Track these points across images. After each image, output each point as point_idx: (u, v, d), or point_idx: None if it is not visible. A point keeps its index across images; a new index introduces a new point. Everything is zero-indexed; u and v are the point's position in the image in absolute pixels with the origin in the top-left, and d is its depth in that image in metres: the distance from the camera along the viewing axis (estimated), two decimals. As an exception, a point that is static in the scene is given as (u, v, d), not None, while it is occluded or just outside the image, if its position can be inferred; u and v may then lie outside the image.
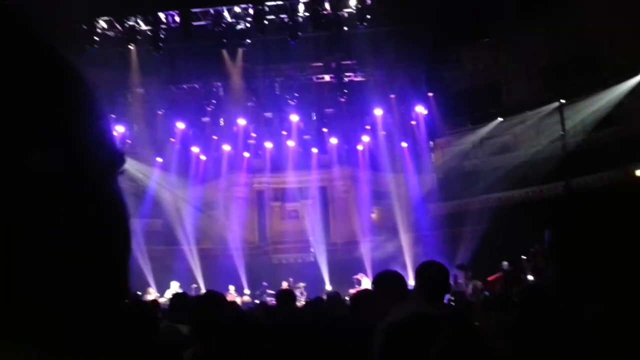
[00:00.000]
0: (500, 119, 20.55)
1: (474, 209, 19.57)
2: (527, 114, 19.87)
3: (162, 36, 18.58)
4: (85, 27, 18.16)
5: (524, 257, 14.42)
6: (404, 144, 22.08)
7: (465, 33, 19.17)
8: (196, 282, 18.47)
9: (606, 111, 17.78)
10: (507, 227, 17.65)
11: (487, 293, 12.18)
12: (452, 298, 11.63)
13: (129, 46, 18.95)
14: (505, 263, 14.68)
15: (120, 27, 18.75)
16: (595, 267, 1.10)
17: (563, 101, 18.06)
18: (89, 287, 0.45)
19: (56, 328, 0.42)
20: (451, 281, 13.20)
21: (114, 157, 0.50)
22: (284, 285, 15.21)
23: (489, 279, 14.02)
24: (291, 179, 23.28)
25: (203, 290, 16.64)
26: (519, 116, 20.08)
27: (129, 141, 22.34)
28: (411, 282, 5.27)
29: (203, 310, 3.06)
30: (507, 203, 19.27)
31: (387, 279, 3.40)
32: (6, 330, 0.39)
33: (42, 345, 0.41)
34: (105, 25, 18.80)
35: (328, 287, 17.24)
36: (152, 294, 13.92)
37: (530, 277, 13.35)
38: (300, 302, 13.51)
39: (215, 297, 3.37)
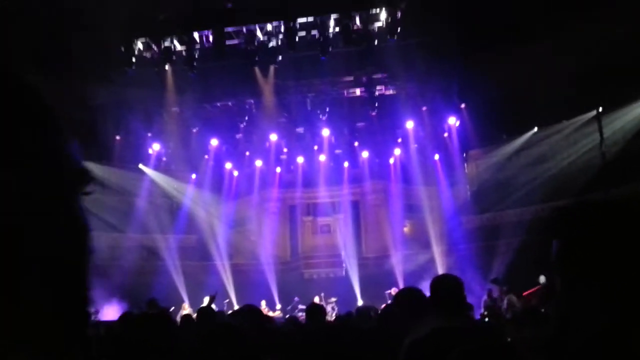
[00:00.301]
0: (535, 129, 20.11)
1: (508, 221, 19.12)
2: (563, 123, 19.39)
3: (196, 56, 19.01)
4: (123, 49, 18.76)
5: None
6: (437, 156, 21.84)
7: (497, 42, 18.89)
8: (229, 297, 18.59)
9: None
10: (544, 240, 17.11)
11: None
12: (486, 313, 11.34)
13: (165, 66, 19.47)
14: (542, 277, 14.24)
15: (156, 48, 19.29)
16: (602, 276, 1.07)
17: (600, 109, 17.60)
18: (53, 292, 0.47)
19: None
20: (485, 296, 12.94)
21: (76, 176, 0.52)
22: (316, 300, 15.15)
23: (525, 293, 13.60)
24: (323, 194, 23.30)
25: (236, 305, 16.77)
26: (555, 126, 19.62)
27: (164, 159, 22.90)
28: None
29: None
30: (543, 215, 18.74)
31: (407, 295, 3.42)
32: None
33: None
34: (142, 47, 19.38)
35: (360, 302, 17.07)
36: (186, 309, 14.09)
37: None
38: (332, 317, 13.45)
39: (253, 311, 3.36)
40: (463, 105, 20.58)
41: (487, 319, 10.88)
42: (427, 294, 3.28)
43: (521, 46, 18.79)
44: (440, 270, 17.88)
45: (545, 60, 18.74)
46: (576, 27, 17.38)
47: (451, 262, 18.57)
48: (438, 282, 2.99)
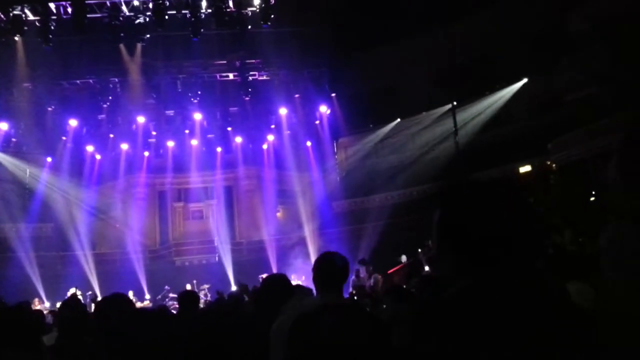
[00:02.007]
0: (398, 120, 21.55)
1: (374, 206, 20.37)
2: (423, 114, 21.01)
3: (53, 28, 17.29)
4: (-39, 14, 16.48)
5: (420, 250, 15.21)
6: (309, 143, 22.42)
7: (366, 36, 19.84)
8: (92, 289, 17.45)
9: (493, 113, 19.30)
10: (405, 223, 18.55)
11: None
12: (354, 292, 12.01)
13: (15, 37, 17.45)
14: (403, 257, 15.40)
15: (3, 16, 17.20)
16: (468, 245, 1.23)
17: (455, 103, 19.33)
18: None
19: None
20: (353, 276, 13.67)
21: None
22: (188, 287, 14.84)
23: (389, 272, 14.63)
24: (195, 179, 22.75)
25: (99, 298, 15.80)
26: (416, 117, 21.18)
27: (14, 140, 20.65)
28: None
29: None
30: (405, 200, 20.25)
31: (272, 281, 3.59)
32: None
33: None
34: (-16, 14, 17.16)
35: (233, 287, 17.05)
36: (37, 305, 12.92)
37: (426, 269, 14.10)
38: (204, 304, 13.27)
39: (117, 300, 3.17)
40: (334, 95, 21.33)
41: (355, 298, 11.52)
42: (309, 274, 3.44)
43: (388, 44, 19.95)
44: (312, 253, 18.49)
45: (410, 56, 20.09)
46: (437, 30, 18.90)
47: (322, 245, 19.27)
48: (323, 259, 3.13)
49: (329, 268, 3.14)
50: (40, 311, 8.73)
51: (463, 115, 19.88)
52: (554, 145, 15.84)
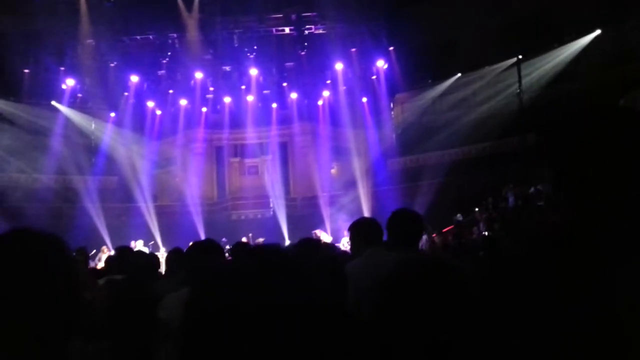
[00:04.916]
0: (459, 75, 20.66)
1: (430, 164, 19.89)
2: (485, 69, 20.04)
3: (114, -16, 17.57)
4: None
5: (477, 210, 14.82)
6: (365, 99, 22.00)
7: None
8: (154, 239, 18.25)
9: (562, 67, 18.12)
10: (463, 182, 18.07)
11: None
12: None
13: (78, -4, 17.88)
14: (458, 215, 15.08)
15: (67, -26, 17.62)
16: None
17: (520, 57, 18.27)
18: None
19: None
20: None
21: None
22: (243, 240, 15.19)
23: (443, 230, 14.40)
24: (250, 135, 22.97)
25: (162, 248, 16.50)
26: (477, 72, 20.24)
27: (80, 95, 21.47)
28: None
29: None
30: (463, 158, 19.64)
31: (362, 224, 3.29)
32: None
33: None
34: (50, -28, 17.61)
35: (287, 242, 17.34)
36: (105, 252, 13.65)
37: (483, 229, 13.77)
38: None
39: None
40: (391, 49, 20.67)
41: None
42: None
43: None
44: (366, 211, 18.42)
45: (471, 9, 19.07)
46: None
47: (376, 203, 19.16)
48: (397, 216, 2.99)
49: (405, 225, 2.99)
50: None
51: (528, 70, 18.81)
52: (626, 100, 14.74)
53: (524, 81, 18.62)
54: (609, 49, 16.65)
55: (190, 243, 3.47)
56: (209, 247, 3.05)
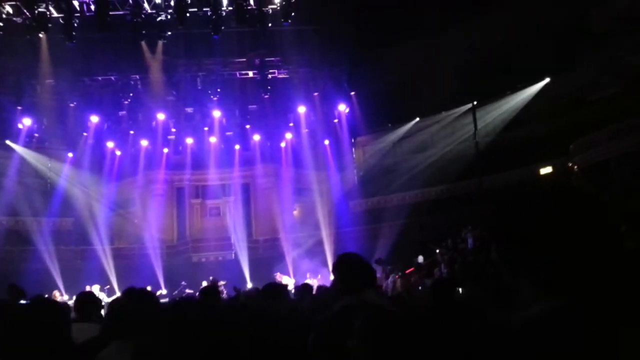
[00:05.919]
0: (417, 119, 21.36)
1: (392, 205, 20.22)
2: (442, 114, 20.79)
3: (76, 25, 17.49)
4: (-13, 12, 16.74)
5: (438, 251, 15.04)
6: (327, 142, 22.36)
7: (386, 34, 19.71)
8: (110, 284, 17.63)
9: (514, 114, 18.98)
10: (424, 223, 18.39)
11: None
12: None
13: (39, 34, 17.70)
14: (420, 257, 15.26)
15: (28, 14, 17.45)
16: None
17: (475, 103, 19.07)
18: None
19: None
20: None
21: None
22: (204, 284, 14.88)
23: (407, 272, 14.50)
24: (213, 176, 22.85)
25: (118, 292, 15.94)
26: (435, 117, 20.97)
27: (36, 135, 20.98)
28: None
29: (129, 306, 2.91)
30: (423, 200, 20.06)
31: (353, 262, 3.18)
32: None
33: None
34: (11, 11, 17.42)
35: (249, 284, 17.08)
36: (57, 297, 13.07)
37: (444, 270, 13.94)
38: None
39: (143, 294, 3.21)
40: (353, 93, 21.23)
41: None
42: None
43: (408, 42, 19.78)
44: (329, 253, 18.43)
45: (429, 56, 19.89)
46: (458, 28, 18.67)
47: (339, 244, 19.20)
48: (344, 260, 2.93)
49: (359, 268, 2.88)
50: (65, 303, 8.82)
51: (483, 115, 19.63)
52: (576, 146, 15.54)
53: (479, 126, 19.39)
54: (558, 96, 17.58)
55: (125, 289, 3.44)
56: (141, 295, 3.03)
